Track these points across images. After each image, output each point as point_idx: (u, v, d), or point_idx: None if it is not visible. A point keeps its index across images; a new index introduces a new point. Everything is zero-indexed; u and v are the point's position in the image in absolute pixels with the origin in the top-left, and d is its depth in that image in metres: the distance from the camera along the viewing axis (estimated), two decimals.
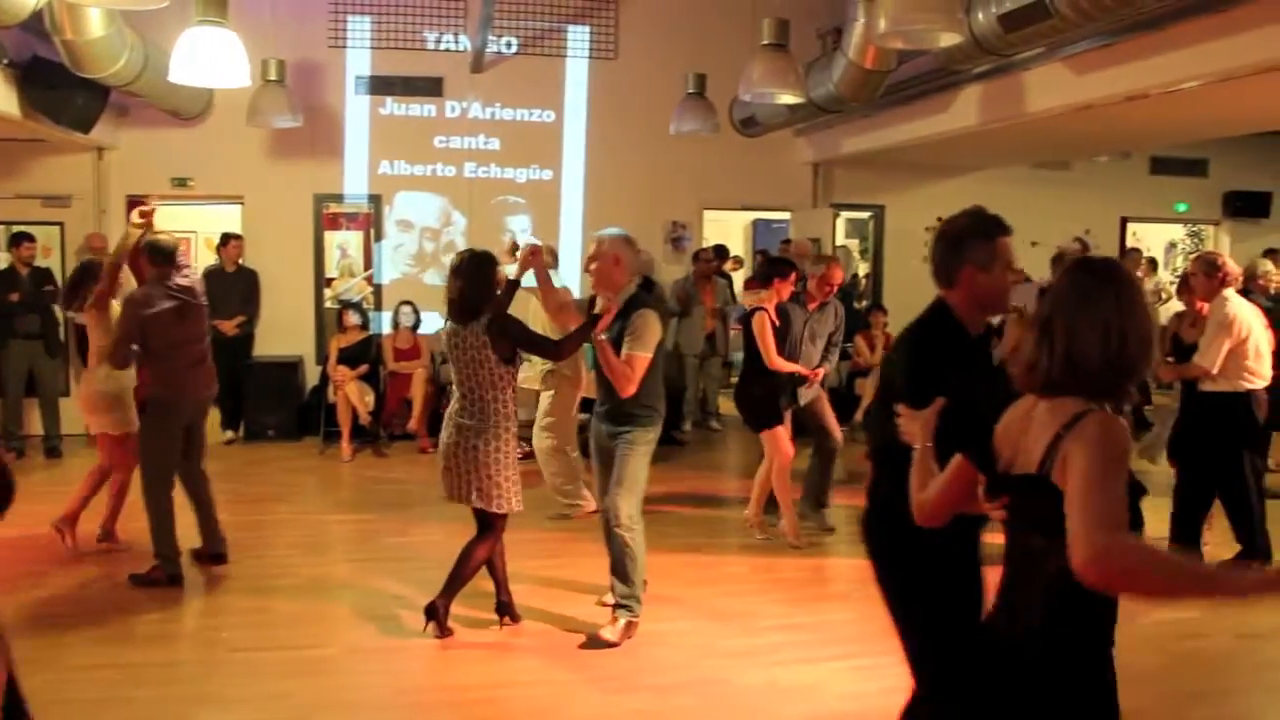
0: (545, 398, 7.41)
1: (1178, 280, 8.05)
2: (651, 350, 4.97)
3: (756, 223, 14.77)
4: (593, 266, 5.10)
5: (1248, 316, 6.20)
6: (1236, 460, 6.30)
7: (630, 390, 4.92)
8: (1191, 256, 8.94)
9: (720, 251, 11.67)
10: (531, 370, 7.38)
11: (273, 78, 8.47)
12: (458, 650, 5.07)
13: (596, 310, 5.11)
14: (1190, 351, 6.39)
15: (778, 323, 6.65)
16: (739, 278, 12.40)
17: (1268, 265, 8.23)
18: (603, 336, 4.99)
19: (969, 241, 3.02)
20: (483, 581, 5.29)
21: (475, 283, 4.94)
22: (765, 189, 11.44)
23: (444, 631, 5.08)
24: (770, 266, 7.09)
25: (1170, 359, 6.56)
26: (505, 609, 5.30)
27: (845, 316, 7.26)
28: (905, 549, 3.00)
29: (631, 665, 4.92)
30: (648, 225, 11.09)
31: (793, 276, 6.77)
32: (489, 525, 5.11)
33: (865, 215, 12.46)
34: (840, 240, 13.52)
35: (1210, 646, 5.43)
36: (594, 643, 5.06)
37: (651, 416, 5.14)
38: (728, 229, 14.13)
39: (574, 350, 5.21)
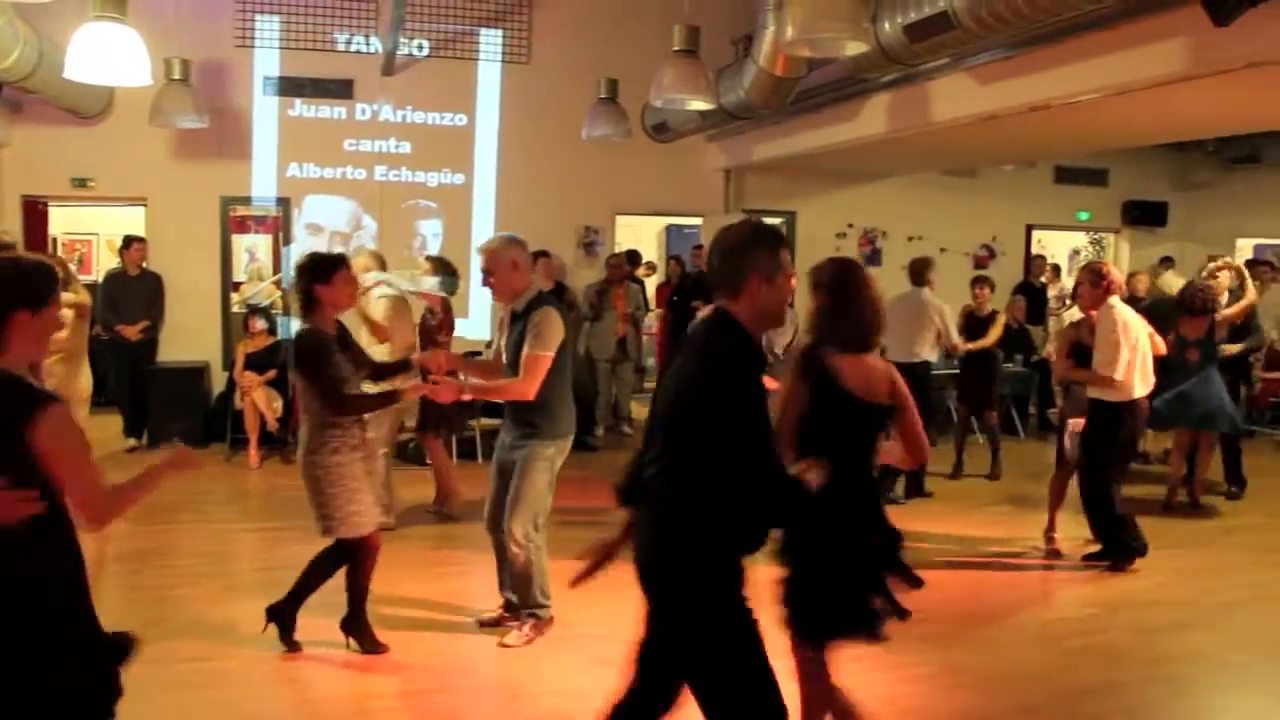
0: None
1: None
2: (553, 349, 4.79)
3: (670, 228, 14.84)
4: (491, 280, 4.96)
5: (1136, 324, 6.42)
6: (1105, 464, 6.54)
7: (530, 392, 4.76)
8: (1079, 266, 9.21)
9: (632, 257, 11.69)
10: None
11: (176, 76, 8.28)
12: (362, 660, 5.00)
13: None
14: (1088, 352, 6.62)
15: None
16: (652, 283, 12.44)
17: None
18: (471, 381, 5.03)
19: (756, 252, 2.89)
20: (391, 588, 5.23)
21: (298, 287, 4.85)
22: (677, 194, 11.50)
23: (290, 645, 4.97)
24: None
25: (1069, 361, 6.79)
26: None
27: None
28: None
29: (535, 671, 4.92)
30: (560, 230, 11.10)
31: None
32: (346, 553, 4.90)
33: (777, 221, 12.57)
34: None
35: (1106, 641, 5.58)
36: (504, 645, 5.09)
37: (554, 428, 4.94)
38: (641, 234, 14.17)
39: (361, 412, 4.84)
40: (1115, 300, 6.50)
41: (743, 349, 2.90)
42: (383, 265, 7.73)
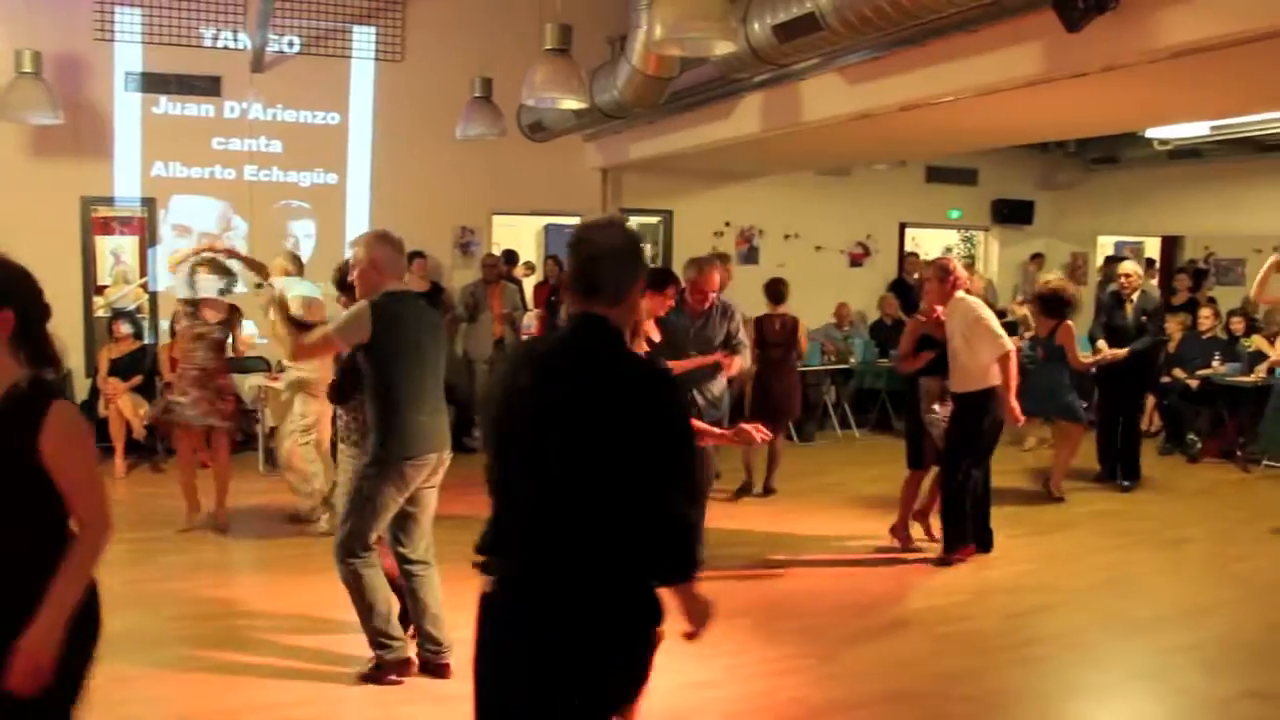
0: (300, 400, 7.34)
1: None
2: (343, 336, 4.53)
3: (549, 227, 14.78)
4: (352, 275, 4.74)
5: (990, 314, 6.67)
6: (967, 454, 6.72)
7: (298, 352, 4.81)
8: (929, 263, 9.43)
9: (509, 256, 11.63)
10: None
11: (28, 70, 7.96)
12: (234, 674, 4.88)
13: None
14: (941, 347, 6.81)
15: (657, 338, 6.10)
16: (530, 283, 12.38)
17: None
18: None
19: (640, 261, 2.70)
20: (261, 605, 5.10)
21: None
22: (554, 194, 11.46)
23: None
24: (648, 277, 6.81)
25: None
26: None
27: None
28: None
29: (410, 679, 4.84)
30: (436, 230, 10.98)
31: (669, 289, 6.13)
32: None
33: (654, 220, 12.64)
34: None
35: (974, 627, 5.75)
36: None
37: (387, 448, 4.57)
38: (520, 234, 14.09)
39: None
40: (962, 294, 6.77)
41: (638, 362, 2.73)
42: (300, 267, 7.59)
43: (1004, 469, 9.55)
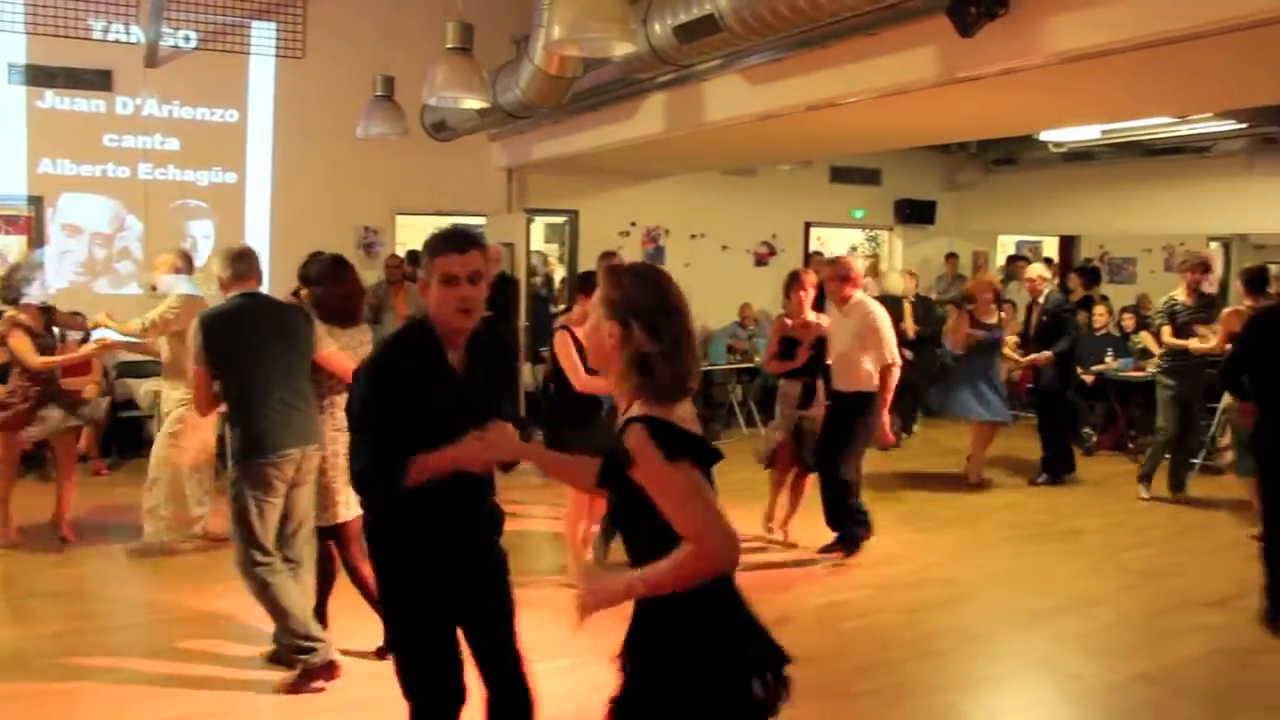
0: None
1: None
2: (198, 361, 4.57)
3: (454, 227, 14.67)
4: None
5: (884, 315, 6.79)
6: (848, 453, 6.80)
7: (201, 409, 4.71)
8: (827, 262, 9.51)
9: (413, 257, 11.48)
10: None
11: None
12: (136, 688, 4.74)
13: None
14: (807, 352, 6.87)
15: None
16: None
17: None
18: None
19: (423, 257, 3.04)
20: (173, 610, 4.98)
21: None
22: (459, 194, 11.35)
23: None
24: (581, 280, 6.71)
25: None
26: None
27: None
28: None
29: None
30: (338, 230, 10.81)
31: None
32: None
33: (560, 220, 12.61)
34: (538, 245, 13.66)
35: (878, 622, 5.84)
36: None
37: (236, 441, 4.62)
38: (425, 233, 13.94)
39: None
40: (861, 294, 6.91)
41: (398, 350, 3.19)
42: (190, 265, 7.35)
43: (905, 464, 9.78)
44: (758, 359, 11.67)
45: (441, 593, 3.12)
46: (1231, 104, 8.52)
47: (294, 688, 4.66)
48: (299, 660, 4.69)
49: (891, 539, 7.23)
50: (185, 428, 6.79)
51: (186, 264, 7.29)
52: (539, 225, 13.46)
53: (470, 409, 2.99)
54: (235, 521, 4.61)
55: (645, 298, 2.41)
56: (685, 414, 2.43)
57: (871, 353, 6.70)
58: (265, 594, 4.62)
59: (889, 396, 6.79)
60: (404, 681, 3.17)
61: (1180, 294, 8.47)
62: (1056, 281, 10.57)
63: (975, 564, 6.96)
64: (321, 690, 4.67)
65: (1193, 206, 12.61)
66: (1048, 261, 15.73)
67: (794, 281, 7.00)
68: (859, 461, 6.93)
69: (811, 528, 7.13)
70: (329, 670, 4.71)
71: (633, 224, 12.69)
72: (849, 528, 6.87)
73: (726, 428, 11.44)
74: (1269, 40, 4.73)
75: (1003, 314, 9.58)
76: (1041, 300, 9.27)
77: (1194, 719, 4.74)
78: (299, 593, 4.73)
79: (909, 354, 9.71)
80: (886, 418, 6.89)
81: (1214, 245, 16.68)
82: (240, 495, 4.58)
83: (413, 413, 2.98)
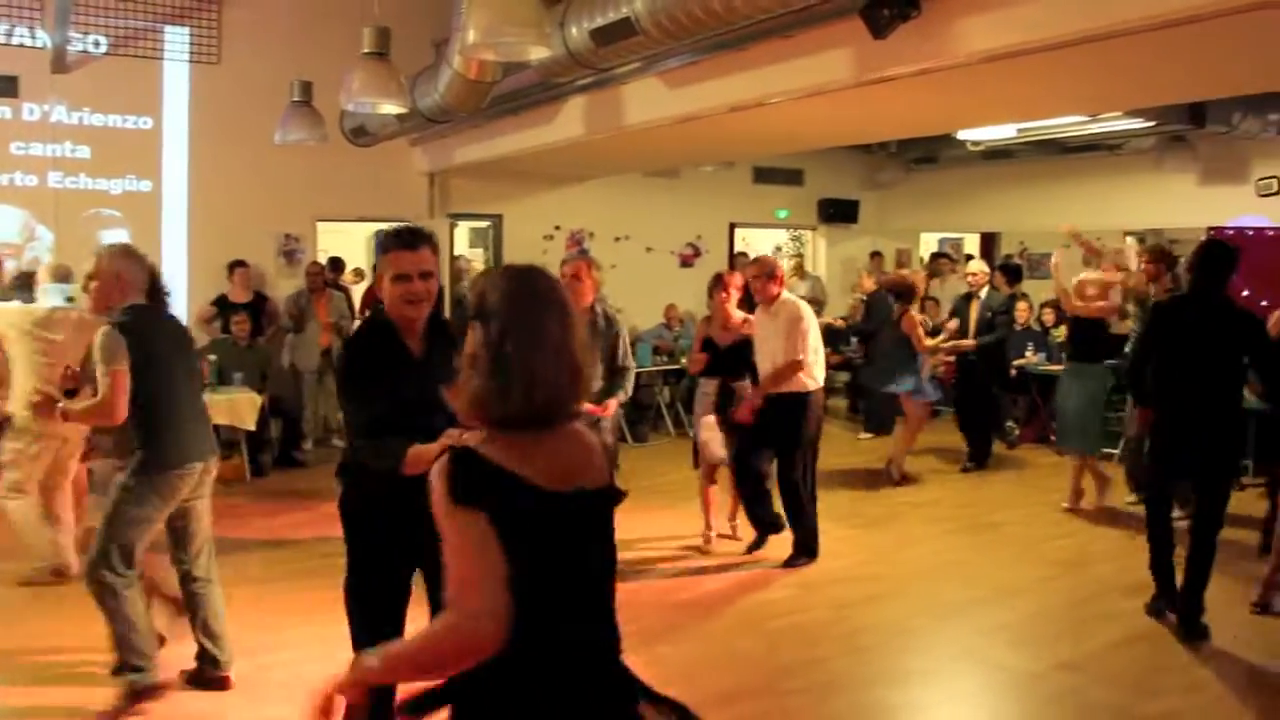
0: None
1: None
2: (122, 363, 4.38)
3: (378, 233, 14.51)
4: (92, 285, 4.62)
5: (812, 316, 6.82)
6: (798, 454, 6.82)
7: (114, 413, 4.43)
8: (750, 261, 9.54)
9: (335, 264, 11.36)
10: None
11: None
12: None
13: None
14: (725, 354, 6.90)
15: None
16: (359, 290, 12.11)
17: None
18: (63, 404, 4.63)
19: (377, 253, 3.30)
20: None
21: None
22: (381, 200, 11.22)
23: None
24: None
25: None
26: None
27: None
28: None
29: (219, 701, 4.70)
30: (258, 238, 10.66)
31: None
32: None
33: (484, 224, 12.54)
34: (462, 250, 13.58)
35: (806, 620, 5.88)
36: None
37: (150, 458, 4.49)
38: (350, 240, 13.77)
39: None
40: (788, 294, 6.93)
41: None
42: (64, 277, 7.12)
43: (833, 463, 9.86)
44: (684, 360, 11.71)
45: (401, 533, 3.29)
46: (1140, 103, 8.72)
47: (119, 710, 4.49)
48: (128, 678, 4.52)
49: (821, 537, 7.28)
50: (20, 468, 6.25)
51: (59, 275, 7.00)
52: (463, 230, 13.38)
53: (427, 389, 3.15)
54: (113, 524, 4.44)
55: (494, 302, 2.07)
56: (557, 451, 2.06)
57: (787, 348, 6.69)
58: (112, 601, 4.44)
59: (768, 387, 6.72)
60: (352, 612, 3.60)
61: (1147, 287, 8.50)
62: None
63: (901, 559, 7.05)
64: (144, 713, 4.51)
65: (1107, 202, 12.86)
66: (969, 258, 16.01)
67: (717, 283, 7.02)
68: (811, 462, 6.93)
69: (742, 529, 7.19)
70: (152, 692, 4.56)
71: (557, 227, 12.66)
72: (769, 528, 6.96)
73: (655, 430, 11.47)
74: (1174, 41, 4.86)
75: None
76: (982, 295, 9.48)
77: (1114, 704, 4.82)
78: (144, 610, 4.60)
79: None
80: (754, 404, 6.76)
81: (1130, 240, 17.05)
82: (134, 500, 4.45)
83: (379, 392, 3.33)
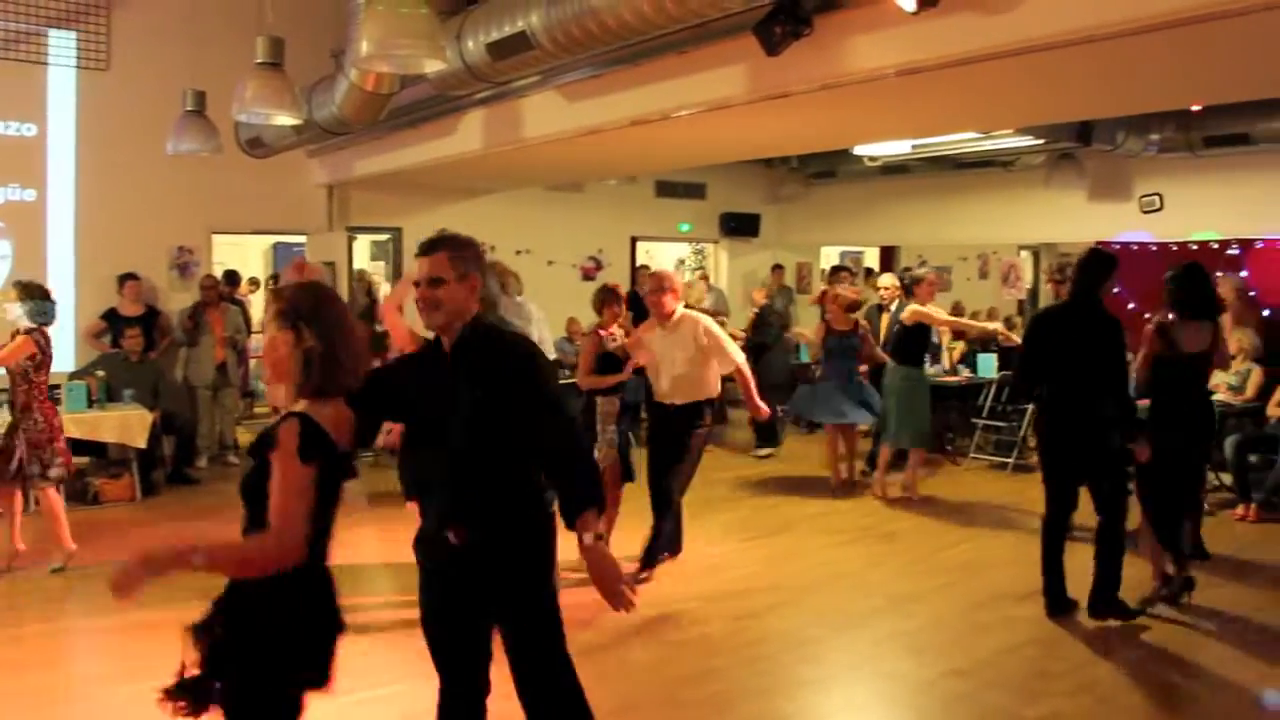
0: None
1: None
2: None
3: (277, 245, 14.29)
4: None
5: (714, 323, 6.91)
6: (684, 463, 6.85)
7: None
8: (648, 275, 9.58)
9: (230, 277, 11.15)
10: None
11: None
12: None
13: None
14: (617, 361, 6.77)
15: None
16: (258, 300, 11.92)
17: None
18: None
19: None
20: None
21: None
22: (278, 212, 11.06)
23: None
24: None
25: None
26: None
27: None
28: None
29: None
30: (150, 250, 10.41)
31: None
32: None
33: (384, 237, 12.42)
34: (363, 263, 13.42)
35: (704, 632, 5.90)
36: None
37: None
38: (246, 252, 13.59)
39: None
40: (683, 307, 6.93)
41: None
42: None
43: (730, 475, 9.94)
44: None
45: None
46: (1028, 121, 8.97)
47: None
48: None
49: (719, 549, 7.35)
50: None
51: None
52: (363, 243, 13.23)
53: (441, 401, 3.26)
54: None
55: (307, 304, 2.78)
56: (337, 415, 2.76)
57: (715, 360, 6.73)
58: None
59: (753, 384, 6.88)
60: None
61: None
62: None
63: (797, 570, 7.11)
64: None
65: (1001, 217, 13.21)
66: (869, 271, 16.32)
67: (610, 296, 6.96)
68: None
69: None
70: None
71: None
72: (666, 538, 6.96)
73: None
74: (1058, 62, 5.01)
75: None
76: (893, 308, 9.67)
77: (1004, 709, 4.92)
78: None
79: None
80: (758, 399, 6.92)
81: (1024, 254, 17.56)
82: None
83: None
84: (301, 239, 11.87)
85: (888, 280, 10.07)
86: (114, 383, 8.94)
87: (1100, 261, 5.89)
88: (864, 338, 9.22)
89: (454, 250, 3.27)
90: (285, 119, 6.59)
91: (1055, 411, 6.00)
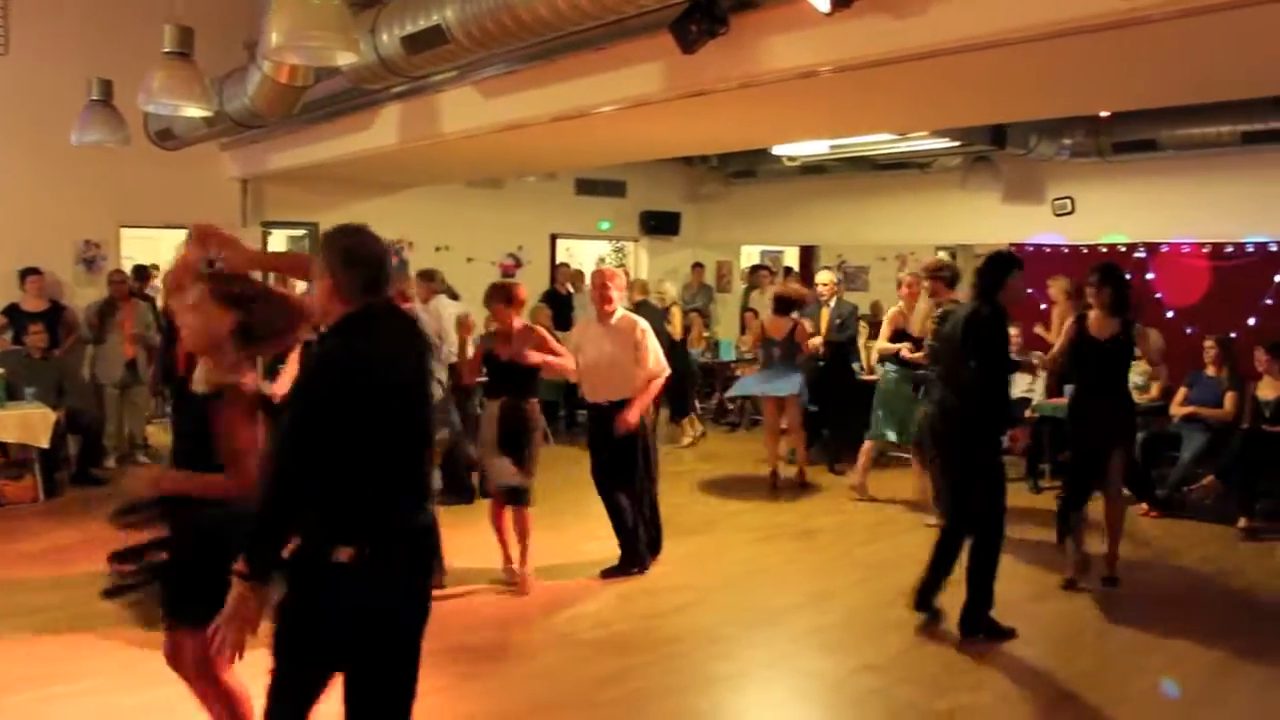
0: None
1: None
2: None
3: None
4: None
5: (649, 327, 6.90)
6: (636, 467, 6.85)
7: None
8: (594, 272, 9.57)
9: (140, 272, 10.88)
10: None
11: None
12: None
13: None
14: (504, 366, 6.55)
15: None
16: None
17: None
18: None
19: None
20: None
21: None
22: (190, 205, 10.63)
23: None
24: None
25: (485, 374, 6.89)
26: None
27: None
28: None
29: None
30: (54, 244, 10.13)
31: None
32: None
33: (300, 233, 12.22)
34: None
35: (619, 631, 5.89)
36: None
37: None
38: (158, 247, 13.24)
39: None
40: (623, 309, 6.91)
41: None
42: None
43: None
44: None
45: None
46: (942, 124, 9.09)
47: None
48: None
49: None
50: None
51: None
52: (279, 238, 13.00)
53: None
54: None
55: (243, 290, 3.47)
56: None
57: (642, 364, 6.66)
58: None
59: (648, 399, 6.75)
60: None
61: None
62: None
63: (714, 568, 7.13)
64: None
65: (918, 218, 13.37)
66: (788, 270, 16.44)
67: (499, 294, 6.74)
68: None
69: (559, 542, 7.17)
70: None
71: None
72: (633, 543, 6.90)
73: (473, 442, 11.29)
74: (971, 66, 5.07)
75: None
76: (831, 304, 9.82)
77: (914, 703, 4.98)
78: None
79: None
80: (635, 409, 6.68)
81: (942, 254, 17.78)
82: None
83: None
84: None
85: (827, 277, 10.18)
86: (15, 380, 8.68)
87: (1000, 262, 5.84)
88: (799, 335, 9.31)
89: (322, 249, 3.12)
90: (195, 111, 6.44)
91: (938, 414, 6.06)
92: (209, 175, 10.89)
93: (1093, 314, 6.52)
